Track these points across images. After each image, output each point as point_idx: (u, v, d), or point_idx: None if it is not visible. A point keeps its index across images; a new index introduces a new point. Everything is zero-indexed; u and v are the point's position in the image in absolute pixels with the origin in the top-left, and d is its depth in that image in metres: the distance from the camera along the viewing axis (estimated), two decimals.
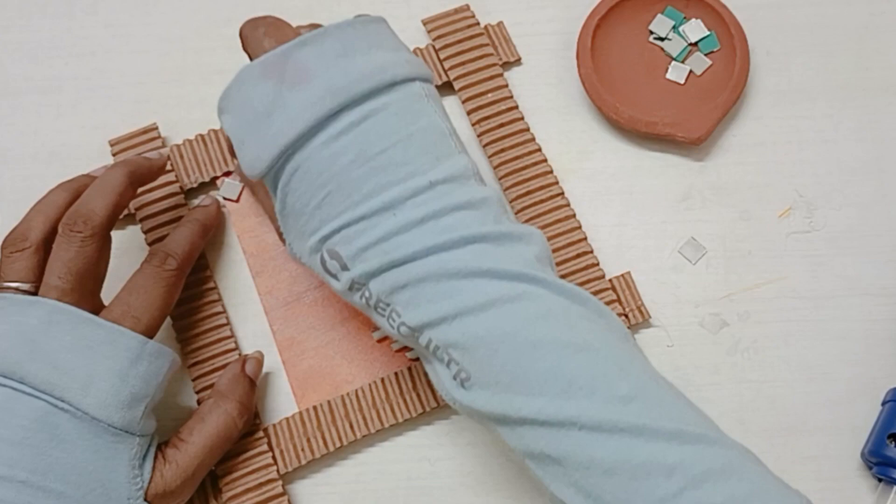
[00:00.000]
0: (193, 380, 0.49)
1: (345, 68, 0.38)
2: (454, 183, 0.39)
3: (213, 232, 0.51)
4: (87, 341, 0.40)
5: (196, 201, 0.52)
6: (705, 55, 0.54)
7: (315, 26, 0.43)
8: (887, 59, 0.55)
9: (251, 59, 0.42)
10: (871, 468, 0.47)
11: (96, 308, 0.43)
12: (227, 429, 0.45)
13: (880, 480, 0.46)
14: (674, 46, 0.54)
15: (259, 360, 0.48)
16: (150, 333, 0.42)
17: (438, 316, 0.37)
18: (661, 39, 0.54)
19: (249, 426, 0.47)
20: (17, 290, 0.41)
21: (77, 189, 0.45)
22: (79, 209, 0.43)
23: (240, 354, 0.49)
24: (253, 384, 0.47)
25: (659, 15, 0.54)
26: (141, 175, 0.46)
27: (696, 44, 0.54)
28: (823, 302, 0.50)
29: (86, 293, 0.42)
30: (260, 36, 0.41)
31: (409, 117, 0.39)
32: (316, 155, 0.38)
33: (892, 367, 0.49)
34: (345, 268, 0.39)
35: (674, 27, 0.54)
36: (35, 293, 0.42)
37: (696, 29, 0.54)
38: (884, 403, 0.47)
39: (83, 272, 0.42)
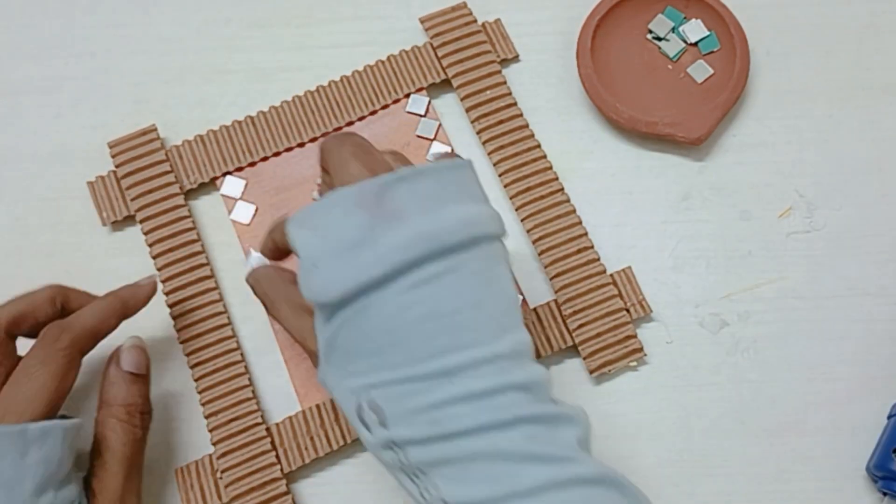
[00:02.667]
0: (196, 380, 0.49)
1: (438, 215, 0.36)
2: (515, 360, 0.37)
3: (135, 313, 0.47)
4: None
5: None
6: (705, 55, 0.54)
7: (396, 154, 0.42)
8: (887, 59, 0.55)
9: (328, 174, 0.40)
10: (876, 482, 0.47)
11: None
12: (128, 434, 0.44)
13: (885, 494, 0.46)
14: (671, 47, 0.54)
15: (136, 346, 0.46)
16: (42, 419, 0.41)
17: (485, 497, 0.35)
18: (659, 39, 0.54)
19: (150, 417, 0.46)
20: None
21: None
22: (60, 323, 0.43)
23: (241, 355, 0.49)
24: (135, 377, 0.45)
25: (659, 15, 0.54)
26: (129, 308, 0.46)
27: (695, 44, 0.54)
28: (823, 302, 0.50)
29: None
30: (347, 156, 0.39)
31: (488, 280, 0.37)
32: (391, 300, 0.36)
33: (893, 368, 0.49)
34: (383, 425, 0.36)
35: (673, 28, 0.54)
36: None
37: (695, 29, 0.54)
38: (889, 417, 0.47)
39: None
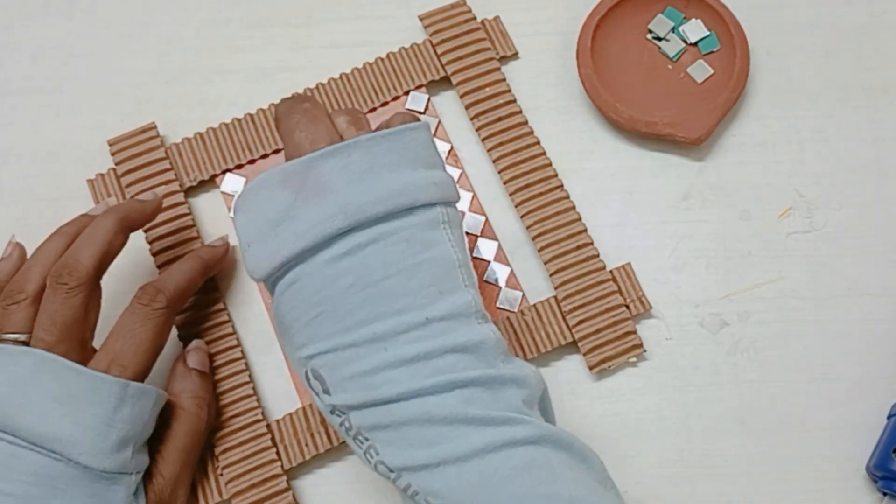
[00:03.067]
0: None
1: (365, 187, 0.38)
2: (453, 321, 0.38)
3: (216, 271, 0.50)
4: (72, 390, 0.40)
5: (209, 239, 0.52)
6: (705, 55, 0.54)
7: (353, 115, 0.42)
8: (887, 59, 0.55)
9: (283, 142, 0.42)
10: (876, 482, 0.47)
11: (86, 357, 0.42)
12: (193, 424, 0.45)
13: (885, 494, 0.46)
14: (671, 47, 0.54)
15: (201, 348, 0.48)
16: (139, 378, 0.42)
17: (420, 462, 0.36)
18: (659, 39, 0.54)
19: (214, 414, 0.47)
20: (14, 340, 0.42)
21: (74, 234, 0.45)
22: (66, 261, 0.43)
23: (242, 352, 0.49)
24: (202, 374, 0.47)
25: (659, 15, 0.54)
26: (132, 220, 0.46)
27: (695, 44, 0.54)
28: (823, 302, 0.50)
29: (74, 343, 0.42)
30: (293, 125, 0.41)
31: (419, 246, 0.38)
32: (316, 272, 0.38)
33: (893, 368, 0.49)
34: (326, 392, 0.38)
35: (673, 28, 0.54)
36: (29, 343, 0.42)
37: (695, 29, 0.54)
38: (889, 417, 0.47)
39: (69, 324, 0.42)
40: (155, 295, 0.44)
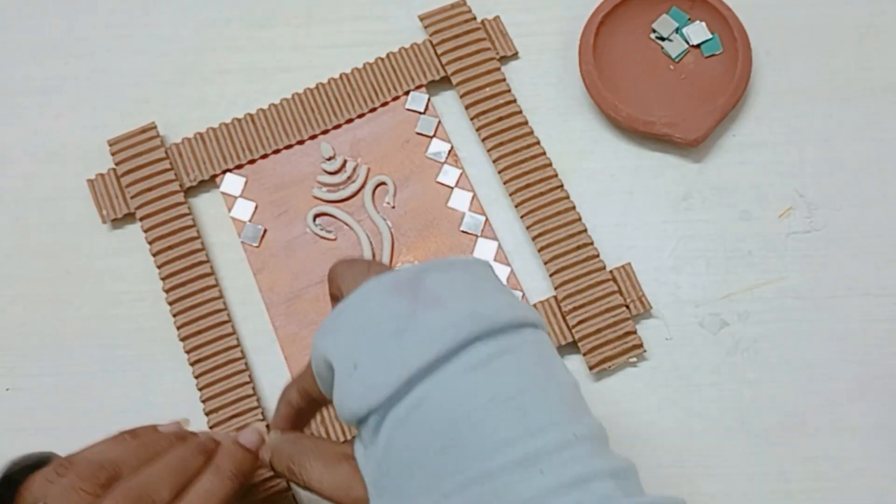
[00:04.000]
0: (196, 377, 0.49)
1: (477, 300, 0.33)
2: (597, 443, 0.33)
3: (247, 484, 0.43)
4: None
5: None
6: (707, 58, 0.54)
7: None
8: (887, 59, 0.55)
9: (338, 300, 0.37)
10: None
11: None
12: (227, 492, 0.39)
13: None
14: (674, 47, 0.54)
15: (257, 430, 0.42)
16: None
17: None
18: (662, 39, 0.54)
19: (242, 494, 0.42)
20: None
21: (139, 446, 0.39)
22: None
23: (242, 352, 0.49)
24: (249, 452, 0.41)
25: (664, 15, 0.54)
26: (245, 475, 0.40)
27: (697, 46, 0.54)
28: (823, 302, 0.50)
29: None
30: (363, 269, 0.36)
31: (545, 364, 0.34)
32: (449, 386, 0.32)
33: (893, 368, 0.49)
34: None
35: (677, 28, 0.54)
36: None
37: (698, 32, 0.54)
38: None
39: None
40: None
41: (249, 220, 0.52)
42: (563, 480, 0.30)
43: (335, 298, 0.38)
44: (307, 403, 0.40)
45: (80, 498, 0.36)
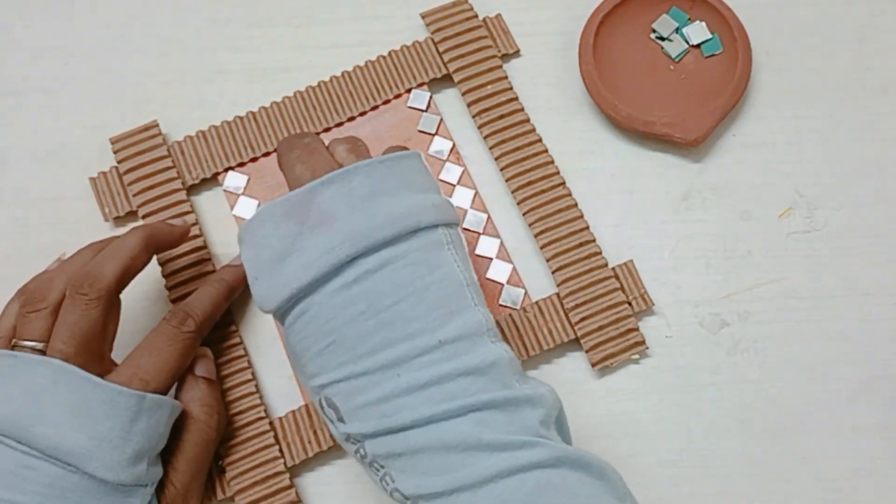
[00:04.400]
0: None
1: (368, 212, 0.38)
2: (466, 341, 0.38)
3: (240, 292, 0.50)
4: (88, 402, 0.40)
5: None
6: (707, 58, 0.54)
7: (353, 144, 0.43)
8: (887, 59, 0.55)
9: (285, 177, 0.42)
10: None
11: (105, 369, 0.42)
12: (203, 433, 0.44)
13: None
14: (674, 47, 0.54)
15: (206, 356, 0.47)
16: (160, 393, 0.42)
17: (434, 490, 0.36)
18: (662, 39, 0.54)
19: (224, 421, 0.47)
20: (32, 349, 0.41)
21: (103, 249, 0.45)
22: (88, 271, 0.42)
23: (244, 350, 0.49)
24: (210, 382, 0.46)
25: (664, 15, 0.54)
26: (159, 240, 0.46)
27: (697, 46, 0.54)
28: (823, 302, 0.50)
29: (92, 355, 0.42)
30: (293, 160, 0.41)
31: (426, 268, 0.38)
32: (325, 302, 0.38)
33: (893, 368, 0.49)
34: (341, 420, 0.38)
35: (677, 28, 0.54)
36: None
37: (698, 31, 0.54)
38: None
39: (88, 335, 0.41)
40: (184, 319, 0.44)
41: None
42: (417, 381, 0.37)
43: (283, 172, 0.43)
44: None
45: (37, 316, 0.42)
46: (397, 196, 0.39)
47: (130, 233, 0.45)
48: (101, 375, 0.41)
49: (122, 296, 0.44)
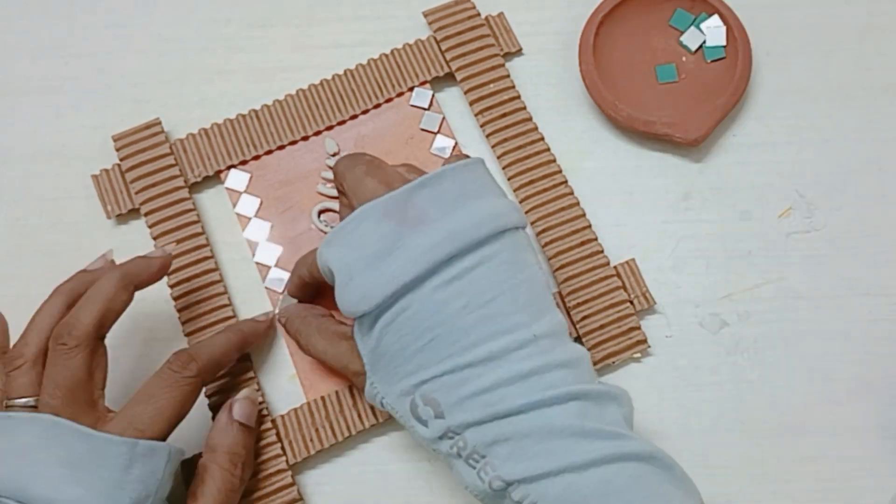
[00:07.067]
0: None
1: (463, 213, 0.40)
2: (554, 338, 0.40)
3: (253, 347, 0.49)
4: (81, 454, 0.39)
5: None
6: (710, 62, 0.54)
7: (409, 166, 0.45)
8: (887, 59, 0.55)
9: (345, 195, 0.43)
10: None
11: (98, 416, 0.41)
12: (226, 482, 0.44)
13: None
14: (691, 39, 0.54)
15: (250, 399, 0.46)
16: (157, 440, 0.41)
17: (542, 472, 0.37)
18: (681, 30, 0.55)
19: (250, 471, 0.46)
20: (24, 406, 0.41)
21: (73, 293, 0.44)
22: (66, 321, 0.42)
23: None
24: (245, 428, 0.45)
25: (678, 9, 0.54)
26: (137, 277, 0.45)
27: (701, 47, 0.54)
28: (823, 302, 0.50)
29: (81, 404, 0.41)
30: (360, 174, 0.42)
31: (517, 267, 0.40)
32: (428, 297, 0.39)
33: (893, 368, 0.49)
34: (440, 416, 0.39)
35: (694, 20, 0.54)
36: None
37: (713, 28, 0.54)
38: None
39: (73, 385, 0.41)
40: (187, 363, 0.43)
41: (254, 216, 0.52)
42: (520, 371, 0.38)
43: (341, 192, 0.44)
44: (313, 280, 0.46)
45: (18, 373, 0.42)
46: (484, 199, 0.41)
47: (106, 276, 0.44)
48: (94, 424, 0.40)
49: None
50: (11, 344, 0.45)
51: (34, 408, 0.41)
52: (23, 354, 0.42)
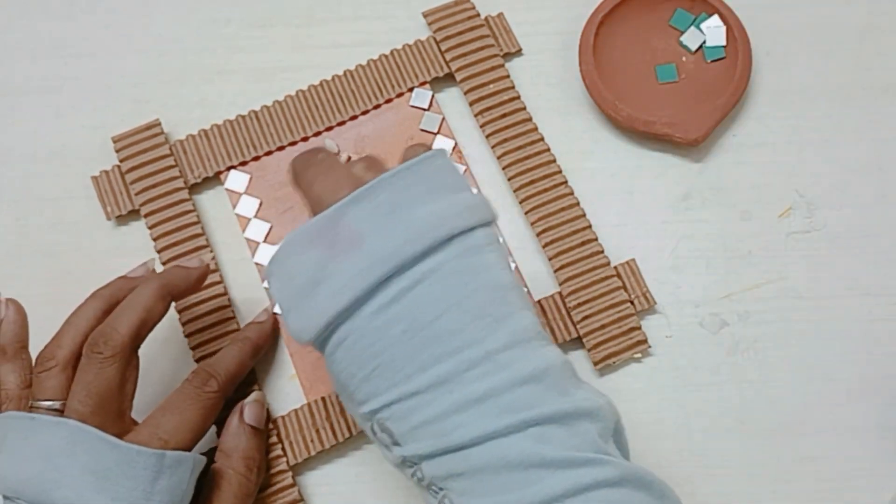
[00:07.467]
0: None
1: (398, 228, 0.36)
2: (515, 349, 0.36)
3: (266, 350, 0.49)
4: (108, 463, 0.39)
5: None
6: (710, 62, 0.54)
7: (369, 161, 0.40)
8: (887, 59, 0.55)
9: (302, 196, 0.41)
10: None
11: (124, 428, 0.41)
12: (242, 487, 0.44)
13: None
14: (691, 39, 0.54)
15: (259, 401, 0.47)
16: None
17: None
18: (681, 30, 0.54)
19: (264, 473, 0.46)
20: (48, 409, 0.41)
21: (111, 298, 0.44)
22: (103, 329, 0.42)
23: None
24: (256, 431, 0.46)
25: (678, 9, 0.54)
26: (176, 287, 0.45)
27: (701, 47, 0.54)
28: (823, 302, 0.50)
29: (110, 414, 0.41)
30: (310, 179, 0.39)
31: (466, 277, 0.36)
32: (365, 325, 0.36)
33: (893, 368, 0.49)
34: (396, 444, 0.37)
35: (694, 20, 0.54)
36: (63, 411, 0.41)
37: (713, 27, 0.54)
38: None
39: (105, 394, 0.40)
40: (207, 379, 0.44)
41: (254, 217, 0.52)
42: (472, 396, 0.35)
43: (301, 192, 0.41)
44: None
45: (48, 375, 0.41)
46: (428, 203, 0.37)
47: (146, 284, 0.44)
48: (121, 435, 0.40)
49: (144, 355, 0.44)
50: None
51: (59, 412, 0.41)
52: (55, 356, 0.42)
